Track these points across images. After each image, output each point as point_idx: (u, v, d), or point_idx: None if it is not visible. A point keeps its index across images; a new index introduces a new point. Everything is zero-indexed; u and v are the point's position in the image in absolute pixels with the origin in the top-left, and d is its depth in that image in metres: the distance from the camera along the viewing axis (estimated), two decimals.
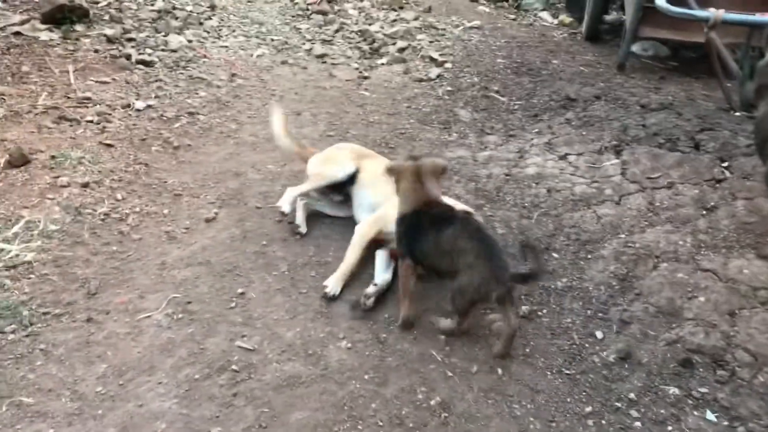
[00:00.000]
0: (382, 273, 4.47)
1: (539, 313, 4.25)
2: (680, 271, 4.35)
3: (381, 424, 3.49)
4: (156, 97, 7.01)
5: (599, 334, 4.07)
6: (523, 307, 4.26)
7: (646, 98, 6.82)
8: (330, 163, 5.16)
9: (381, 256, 4.57)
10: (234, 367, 3.81)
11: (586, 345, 4.02)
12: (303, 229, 4.94)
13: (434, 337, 4.07)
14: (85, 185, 5.40)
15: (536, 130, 6.44)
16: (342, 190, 5.10)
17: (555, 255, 4.72)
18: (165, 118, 6.61)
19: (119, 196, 5.37)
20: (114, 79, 7.37)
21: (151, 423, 3.47)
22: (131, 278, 4.52)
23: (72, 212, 5.06)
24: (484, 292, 3.79)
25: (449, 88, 7.54)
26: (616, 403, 3.63)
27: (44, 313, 4.16)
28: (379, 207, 4.69)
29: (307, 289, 4.41)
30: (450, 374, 3.80)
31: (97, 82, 7.24)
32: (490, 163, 5.88)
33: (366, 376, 3.78)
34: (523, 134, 6.39)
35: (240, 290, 4.39)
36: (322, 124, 6.65)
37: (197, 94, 7.20)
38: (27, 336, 3.98)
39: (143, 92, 7.07)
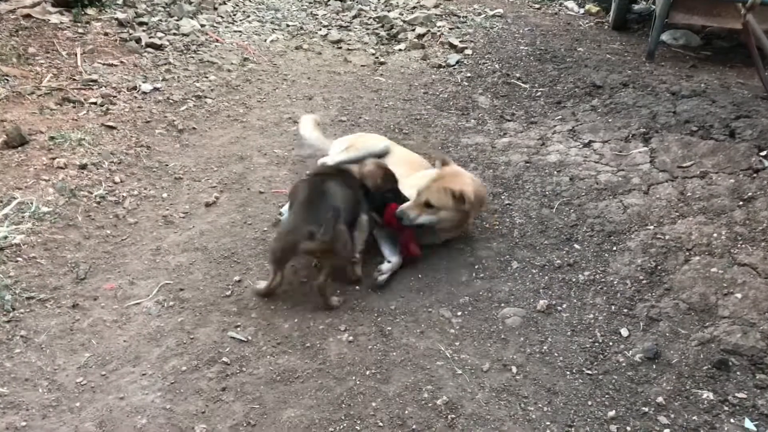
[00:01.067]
0: (393, 254, 4.15)
1: (558, 308, 3.89)
2: (714, 266, 3.96)
3: (381, 424, 3.15)
4: (164, 80, 6.74)
5: (624, 332, 3.70)
6: (541, 301, 3.90)
7: (676, 85, 6.41)
8: (370, 138, 4.94)
9: (386, 237, 4.26)
10: (224, 359, 3.50)
11: (610, 343, 3.65)
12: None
13: (443, 331, 3.73)
14: (83, 167, 5.13)
15: (559, 117, 6.06)
16: None
17: (577, 246, 4.35)
18: (171, 101, 6.34)
19: (117, 179, 5.08)
20: (122, 62, 7.11)
21: (131, 418, 3.18)
22: (123, 263, 4.23)
23: (66, 194, 4.79)
24: (290, 240, 3.75)
25: (469, 75, 7.18)
26: (643, 408, 3.26)
27: (28, 298, 3.89)
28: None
29: (308, 277, 4.09)
30: (459, 372, 3.46)
31: (104, 64, 6.99)
32: (510, 150, 5.51)
33: (367, 372, 3.45)
34: (546, 121, 6.02)
35: (236, 278, 4.09)
36: (333, 109, 6.32)
37: (206, 77, 6.91)
38: (8, 321, 3.71)
39: (151, 75, 6.81)
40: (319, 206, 3.72)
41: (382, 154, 4.73)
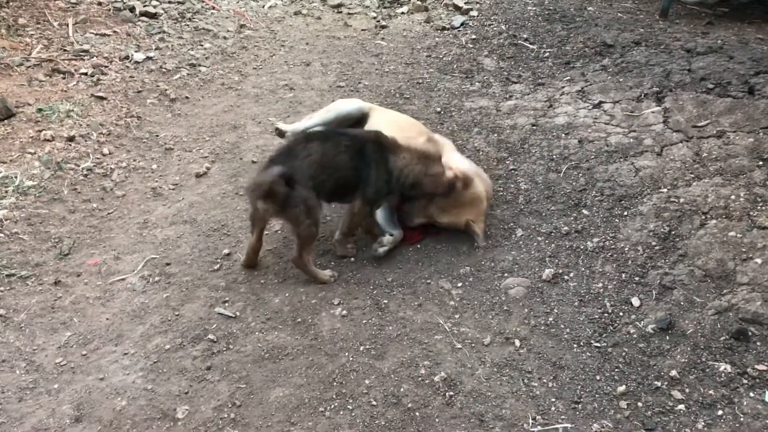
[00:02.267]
0: (393, 227, 3.93)
1: (565, 277, 3.65)
2: (732, 229, 3.70)
3: (374, 403, 2.95)
4: (157, 48, 6.49)
5: (636, 302, 3.46)
6: (547, 270, 3.66)
7: (692, 42, 6.08)
8: (342, 101, 4.69)
9: (385, 208, 4.03)
10: (211, 336, 3.31)
11: (620, 314, 3.41)
12: None
13: (442, 303, 3.51)
14: (71, 139, 4.92)
15: (568, 78, 5.76)
16: None
17: (585, 212, 4.10)
18: (164, 70, 6.10)
19: (106, 151, 4.88)
20: (115, 32, 6.86)
21: (110, 399, 3.00)
22: (108, 237, 4.04)
23: (53, 167, 4.59)
24: (250, 198, 3.63)
25: (474, 37, 6.87)
26: (655, 382, 3.03)
27: (8, 275, 3.71)
28: None
29: (291, 247, 3.86)
30: (458, 346, 3.24)
31: (96, 34, 6.75)
32: (515, 113, 5.24)
33: (361, 348, 3.25)
34: (553, 82, 5.72)
35: (226, 251, 3.88)
36: (332, 75, 6.06)
37: (201, 45, 6.66)
38: None
39: (144, 44, 6.56)
40: (273, 165, 3.52)
41: (354, 116, 4.46)
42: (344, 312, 3.45)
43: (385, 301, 3.51)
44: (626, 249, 3.80)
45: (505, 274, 3.68)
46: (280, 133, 4.46)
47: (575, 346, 3.24)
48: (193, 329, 3.36)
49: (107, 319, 3.48)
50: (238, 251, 3.87)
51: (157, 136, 5.13)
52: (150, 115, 5.41)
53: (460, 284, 3.62)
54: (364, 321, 3.39)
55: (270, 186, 3.38)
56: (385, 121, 4.33)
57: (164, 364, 3.18)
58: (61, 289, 3.66)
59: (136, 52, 6.41)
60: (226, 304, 3.51)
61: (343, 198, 3.78)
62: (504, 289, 3.58)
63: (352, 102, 4.58)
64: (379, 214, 4.06)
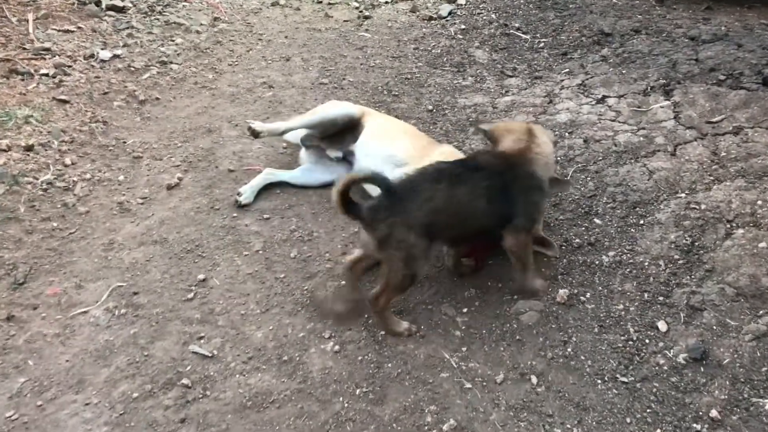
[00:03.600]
0: None
1: (582, 297, 3.23)
2: (763, 239, 3.31)
3: None
4: (125, 45, 5.96)
5: (662, 326, 3.05)
6: (561, 291, 3.24)
7: (694, 29, 5.67)
8: (332, 104, 4.26)
9: None
10: (185, 380, 2.86)
11: (646, 341, 3.00)
12: (246, 198, 3.92)
13: (446, 333, 3.09)
14: (29, 148, 4.42)
15: (566, 70, 5.33)
16: (341, 144, 4.06)
17: (597, 221, 3.67)
18: (132, 69, 5.58)
19: (68, 161, 4.37)
20: (79, 28, 6.31)
21: None
22: (70, 262, 3.56)
23: (8, 181, 4.10)
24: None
25: (463, 27, 6.41)
26: (694, 425, 2.64)
27: None
28: (399, 159, 3.67)
29: (285, 272, 3.43)
30: (468, 386, 2.82)
31: (59, 31, 6.20)
32: (513, 110, 4.80)
33: (357, 391, 2.81)
34: (551, 75, 5.29)
35: (201, 276, 3.42)
36: (314, 71, 5.58)
37: (173, 41, 6.14)
38: None
39: (111, 41, 6.03)
40: (386, 195, 2.90)
41: (341, 122, 4.00)
42: (336, 347, 3.01)
43: (382, 333, 3.07)
44: (646, 264, 3.39)
45: (515, 297, 3.26)
46: (254, 134, 4.01)
47: (599, 381, 2.83)
48: (165, 372, 2.91)
49: (67, 360, 3.02)
50: (214, 276, 3.41)
51: (125, 142, 4.64)
52: (117, 120, 4.91)
53: (465, 310, 3.20)
54: (359, 357, 2.96)
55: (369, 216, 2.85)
56: (387, 129, 3.89)
57: (132, 416, 2.73)
58: (15, 325, 3.20)
59: (102, 49, 5.89)
60: (202, 341, 3.05)
61: (474, 239, 3.29)
62: (514, 315, 3.16)
63: (340, 106, 4.12)
64: None
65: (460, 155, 3.70)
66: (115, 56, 5.83)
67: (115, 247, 3.69)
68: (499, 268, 3.44)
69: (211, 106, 5.11)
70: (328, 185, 3.99)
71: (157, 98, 5.23)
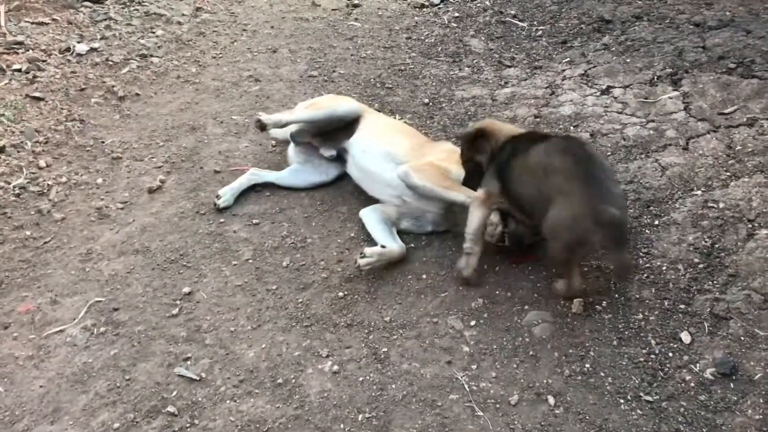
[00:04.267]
0: (388, 239, 3.22)
1: (598, 307, 2.99)
2: None
3: None
4: (103, 38, 5.64)
5: (685, 337, 2.82)
6: (575, 300, 3.00)
7: (698, 15, 5.42)
8: (335, 99, 4.02)
9: (379, 219, 3.33)
10: (171, 408, 2.60)
11: (670, 354, 2.77)
12: (225, 202, 3.67)
13: (454, 349, 2.84)
14: (1, 150, 4.12)
15: (567, 59, 5.07)
16: (334, 141, 3.79)
17: None
18: (111, 63, 5.27)
19: (43, 163, 4.08)
20: (54, 20, 5.98)
21: None
22: (44, 275, 3.28)
23: None
24: (581, 233, 2.69)
25: (456, 14, 6.13)
26: None
27: None
28: (398, 157, 3.40)
29: (278, 283, 3.16)
30: (479, 410, 2.56)
31: (33, 23, 5.86)
32: (513, 102, 4.54)
33: (360, 417, 2.57)
34: (552, 65, 5.03)
35: (186, 289, 3.15)
36: (302, 62, 5.29)
37: (153, 32, 5.83)
38: None
39: (88, 34, 5.71)
40: (604, 178, 2.81)
41: (347, 120, 3.76)
42: (335, 367, 2.75)
43: (385, 349, 2.82)
44: (664, 268, 3.15)
45: (526, 307, 3.01)
46: (262, 126, 3.73)
47: (621, 401, 2.59)
48: (149, 399, 2.65)
49: (41, 386, 2.75)
50: (201, 289, 3.14)
51: (103, 142, 4.34)
52: (95, 118, 4.62)
53: (473, 322, 2.95)
54: (360, 378, 2.71)
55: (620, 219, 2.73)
56: (385, 127, 3.65)
57: None
58: None
59: (78, 42, 5.58)
60: (189, 362, 2.79)
61: None
62: (527, 327, 2.91)
63: (347, 102, 3.88)
64: (374, 224, 3.36)
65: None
66: (93, 50, 5.52)
67: (94, 257, 3.41)
68: (505, 275, 3.18)
69: (194, 101, 4.81)
70: (318, 187, 3.73)
71: (137, 94, 4.93)
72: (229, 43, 5.72)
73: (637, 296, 3.05)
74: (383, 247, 3.17)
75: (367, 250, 3.12)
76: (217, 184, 3.88)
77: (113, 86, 4.98)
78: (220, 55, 5.50)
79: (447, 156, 3.44)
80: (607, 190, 2.78)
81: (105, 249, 3.46)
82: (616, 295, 3.06)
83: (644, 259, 3.23)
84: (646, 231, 3.37)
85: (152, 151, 4.25)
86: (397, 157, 3.44)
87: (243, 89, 4.94)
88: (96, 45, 5.57)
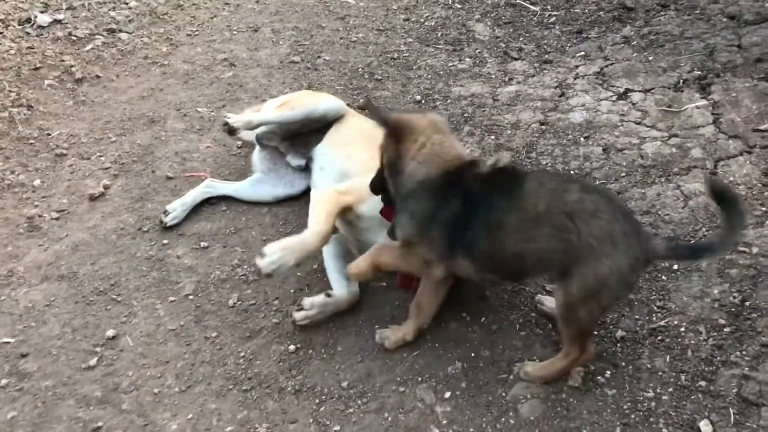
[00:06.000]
0: (341, 282, 2.63)
1: (600, 378, 2.42)
2: None
3: None
4: (69, 8, 5.03)
5: (706, 428, 2.24)
6: (574, 370, 2.41)
7: (734, 6, 4.72)
8: (312, 95, 3.37)
9: (336, 253, 2.73)
10: None
11: None
12: (173, 219, 3.10)
13: (422, 429, 2.26)
14: None
15: (581, 53, 4.42)
16: (305, 147, 3.19)
17: None
18: (74, 39, 4.67)
19: None
20: None
21: None
22: None
23: None
24: (630, 281, 2.20)
25: None
26: None
27: None
28: (353, 173, 2.78)
29: (219, 329, 2.61)
30: None
31: None
32: (518, 104, 3.91)
33: None
34: (564, 59, 4.37)
35: (110, 332, 2.61)
36: (285, 45, 4.66)
37: (126, 4, 5.21)
38: None
39: (53, 2, 5.10)
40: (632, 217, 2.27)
41: (329, 119, 3.13)
42: None
43: (337, 428, 2.28)
44: (682, 330, 2.57)
45: (512, 376, 2.43)
46: (231, 131, 3.13)
47: None
48: None
49: None
50: (128, 332, 2.58)
51: (49, 134, 3.78)
52: (45, 103, 4.04)
53: (448, 394, 2.40)
54: None
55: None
56: (352, 133, 3.03)
57: None
58: None
59: (41, 12, 4.98)
60: None
61: None
62: (512, 403, 2.35)
63: (329, 99, 3.24)
64: (330, 259, 2.77)
65: None
66: (56, 21, 4.92)
67: (12, 282, 2.88)
68: (491, 329, 2.61)
69: (159, 87, 4.21)
70: (283, 200, 3.15)
71: (97, 76, 4.34)
72: (208, 18, 5.09)
73: (648, 365, 2.48)
74: (328, 295, 2.59)
75: (306, 301, 2.54)
76: (167, 193, 3.30)
77: (71, 66, 4.39)
78: (196, 33, 4.87)
79: None
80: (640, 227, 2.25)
81: (28, 271, 2.92)
82: (623, 364, 2.50)
83: (658, 314, 2.66)
84: (662, 277, 2.79)
85: (102, 147, 3.67)
86: (351, 173, 2.82)
87: (215, 75, 4.33)
88: (60, 16, 4.96)
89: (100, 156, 3.61)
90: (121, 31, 4.89)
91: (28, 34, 4.72)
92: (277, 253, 2.36)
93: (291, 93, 3.59)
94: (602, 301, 2.17)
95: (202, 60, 4.52)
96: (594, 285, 2.12)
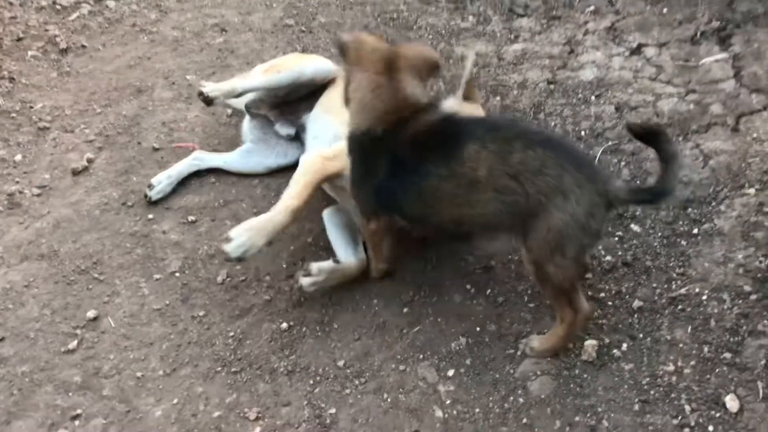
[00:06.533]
0: (347, 250, 2.45)
1: (615, 351, 2.24)
2: None
3: None
4: None
5: (731, 403, 2.07)
6: (587, 342, 2.23)
7: None
8: (300, 57, 3.18)
9: (341, 222, 2.55)
10: None
11: (710, 428, 2.00)
12: (158, 193, 2.91)
13: (424, 411, 2.13)
14: None
15: (591, 7, 4.16)
16: (295, 114, 2.99)
17: (635, 228, 2.66)
18: (59, 7, 4.47)
19: None
20: None
21: None
22: None
23: None
24: (592, 228, 2.00)
25: None
26: None
27: None
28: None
29: (207, 307, 2.45)
30: None
31: None
32: (524, 62, 3.69)
33: None
34: (573, 15, 4.13)
35: (91, 313, 2.45)
36: (278, 7, 4.44)
37: None
38: None
39: None
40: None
41: (321, 80, 2.92)
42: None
43: (333, 411, 2.11)
44: (704, 298, 2.38)
45: (519, 351, 2.25)
46: (207, 101, 2.93)
47: None
48: None
49: None
50: (110, 313, 2.42)
51: (32, 107, 3.60)
52: (29, 75, 3.85)
53: (451, 372, 2.22)
54: None
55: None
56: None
57: None
58: None
59: None
60: (77, 422, 2.09)
61: None
62: (521, 381, 2.18)
63: (317, 60, 3.02)
64: (334, 229, 2.58)
65: None
66: None
67: None
68: (496, 301, 2.42)
69: (146, 56, 4.01)
70: (275, 171, 2.95)
71: (83, 46, 4.14)
72: None
73: (668, 337, 2.29)
74: (336, 261, 2.41)
75: (314, 265, 2.36)
76: (153, 166, 3.12)
77: (56, 36, 4.19)
78: None
79: None
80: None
81: (8, 251, 2.76)
82: (641, 335, 2.31)
83: (678, 282, 2.46)
84: (682, 242, 2.59)
85: (86, 119, 3.48)
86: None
87: (205, 41, 4.12)
88: None
89: (85, 128, 3.43)
90: None
91: (10, 3, 4.51)
92: (243, 235, 2.21)
93: (282, 56, 3.37)
94: (567, 253, 2.01)
95: (192, 26, 4.30)
96: (552, 238, 1.97)
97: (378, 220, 2.21)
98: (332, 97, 2.84)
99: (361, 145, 2.11)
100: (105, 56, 4.05)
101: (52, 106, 3.62)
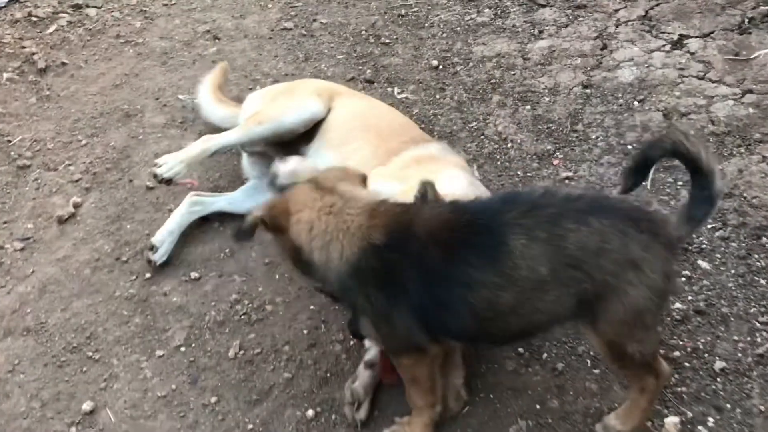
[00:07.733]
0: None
1: (700, 428, 1.85)
2: None
3: None
4: None
5: None
6: (667, 419, 1.86)
7: None
8: (284, 98, 2.68)
9: None
10: None
11: None
12: (161, 256, 2.50)
13: None
14: None
15: None
16: (297, 149, 2.60)
17: (704, 264, 2.28)
18: (35, 19, 4.03)
19: None
20: None
21: None
22: None
23: None
24: (669, 287, 1.72)
25: None
26: None
27: None
28: None
29: (220, 390, 2.08)
30: None
31: None
32: (553, 62, 3.27)
33: None
34: (600, 2, 3.71)
35: (87, 405, 2.09)
36: (275, 9, 4.00)
37: None
38: None
39: None
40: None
41: (305, 126, 2.51)
42: None
43: None
44: None
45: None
46: (165, 182, 2.53)
47: None
48: None
49: None
50: (108, 403, 2.05)
51: (10, 141, 3.20)
52: (5, 102, 3.46)
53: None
54: None
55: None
56: (348, 127, 2.42)
57: None
58: None
59: None
60: None
61: None
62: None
63: (300, 109, 2.61)
64: None
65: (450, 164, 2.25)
66: (14, 0, 4.22)
67: None
68: (553, 368, 2.05)
69: (134, 72, 3.59)
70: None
71: (63, 63, 3.71)
72: None
73: (762, 407, 1.93)
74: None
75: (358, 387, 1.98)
76: (148, 208, 2.73)
77: (33, 54, 3.76)
78: (173, 1, 4.19)
79: (403, 169, 2.23)
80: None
81: None
82: (728, 405, 1.94)
83: (763, 333, 2.10)
84: (761, 281, 2.22)
85: (71, 153, 3.09)
86: None
87: (197, 51, 3.70)
88: None
89: (69, 165, 3.03)
90: (88, 6, 4.23)
91: None
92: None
93: (274, 86, 2.94)
94: (649, 325, 1.68)
95: (181, 34, 3.87)
96: (630, 317, 1.63)
97: (419, 352, 1.79)
98: (332, 129, 2.48)
99: (365, 271, 1.68)
100: (88, 74, 3.63)
101: (32, 138, 3.21)
